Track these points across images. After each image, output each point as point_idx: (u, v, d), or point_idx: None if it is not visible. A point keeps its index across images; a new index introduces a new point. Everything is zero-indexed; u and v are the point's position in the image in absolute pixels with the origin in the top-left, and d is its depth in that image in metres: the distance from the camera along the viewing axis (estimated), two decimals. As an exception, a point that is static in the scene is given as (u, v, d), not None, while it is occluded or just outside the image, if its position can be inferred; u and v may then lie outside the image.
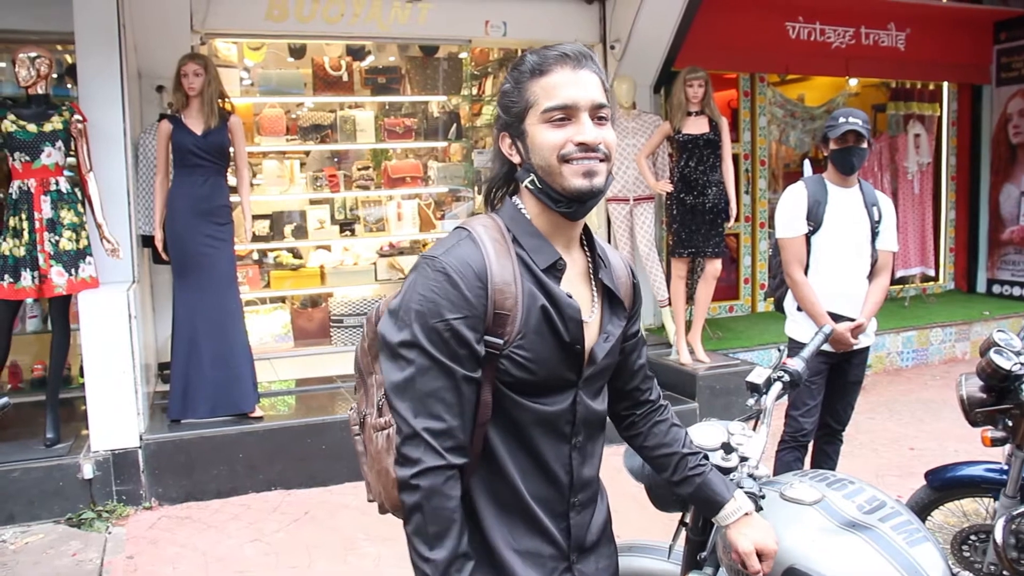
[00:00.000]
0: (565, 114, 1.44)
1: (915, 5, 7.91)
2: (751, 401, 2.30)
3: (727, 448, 2.09)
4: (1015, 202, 8.57)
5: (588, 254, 1.60)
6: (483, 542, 1.50)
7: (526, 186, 1.51)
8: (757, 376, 2.31)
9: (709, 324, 6.99)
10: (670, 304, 6.26)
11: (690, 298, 6.36)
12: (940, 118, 8.81)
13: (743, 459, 2.07)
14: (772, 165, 8.15)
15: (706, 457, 1.84)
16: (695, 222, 5.86)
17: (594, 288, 1.59)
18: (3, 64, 6.23)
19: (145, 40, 5.55)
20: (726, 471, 2.03)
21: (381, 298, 1.73)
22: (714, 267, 5.96)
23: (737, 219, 7.42)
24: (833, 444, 4.01)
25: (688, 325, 6.25)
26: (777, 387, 2.29)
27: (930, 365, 7.59)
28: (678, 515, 2.22)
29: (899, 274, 8.37)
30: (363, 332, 1.66)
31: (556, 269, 1.50)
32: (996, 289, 8.80)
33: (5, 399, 2.00)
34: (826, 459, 3.98)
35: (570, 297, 1.49)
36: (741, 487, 1.94)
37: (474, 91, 8.91)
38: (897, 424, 5.98)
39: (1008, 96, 8.55)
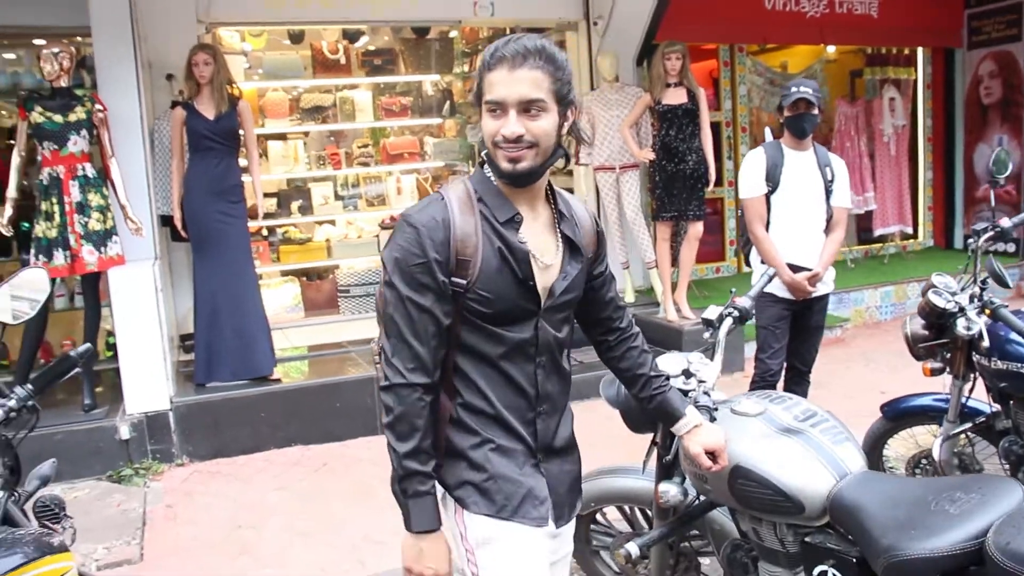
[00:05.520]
0: (499, 108, 1.72)
1: (887, -26, 8.22)
2: (707, 334, 2.70)
3: (687, 374, 2.50)
4: (988, 160, 8.89)
5: (553, 209, 1.91)
6: (466, 442, 1.83)
7: (483, 156, 1.83)
8: (711, 313, 2.72)
9: (697, 285, 7.36)
10: (657, 266, 6.65)
11: (676, 260, 6.74)
12: (915, 82, 9.13)
13: (700, 382, 2.47)
14: (754, 131, 8.49)
15: (667, 379, 2.21)
16: (676, 187, 6.22)
17: (559, 236, 1.88)
18: (13, 56, 6.59)
19: (153, 31, 5.86)
20: (685, 392, 2.44)
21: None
22: (696, 229, 6.34)
23: (720, 184, 7.79)
24: (801, 385, 4.41)
25: (674, 285, 6.63)
26: (728, 322, 2.69)
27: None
28: (650, 437, 2.64)
29: (877, 232, 8.76)
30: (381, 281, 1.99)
31: (514, 222, 1.79)
32: (972, 243, 9.15)
33: (87, 346, 2.39)
34: (794, 398, 4.38)
35: (522, 243, 1.79)
36: (698, 403, 2.34)
37: (466, 68, 9.24)
38: (872, 372, 6.36)
39: (978, 59, 8.86)
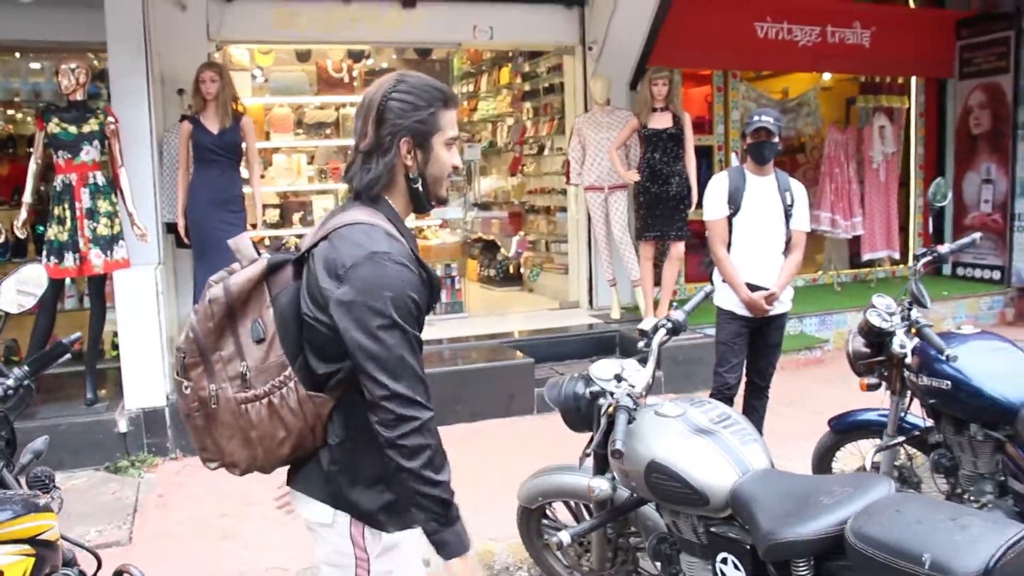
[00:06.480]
0: (455, 143, 1.95)
1: (880, 8, 8.45)
2: (641, 343, 2.95)
3: (618, 378, 2.76)
4: (976, 189, 9.13)
5: None
6: (389, 465, 1.80)
7: (414, 188, 1.91)
8: (646, 324, 2.97)
9: (683, 304, 7.57)
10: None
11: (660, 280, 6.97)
12: (909, 110, 9.36)
13: (631, 386, 2.72)
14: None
15: None
16: (659, 208, 6.49)
17: None
18: (37, 66, 6.95)
19: (166, 47, 6.16)
20: (612, 394, 2.69)
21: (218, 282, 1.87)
22: (677, 249, 6.60)
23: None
24: (760, 399, 4.65)
25: (657, 302, 6.87)
26: (661, 332, 2.94)
27: (890, 340, 8.14)
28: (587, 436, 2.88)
29: (865, 257, 8.97)
30: (209, 313, 1.83)
31: (416, 249, 1.91)
32: (960, 271, 9.36)
33: (78, 334, 2.69)
34: (753, 412, 4.60)
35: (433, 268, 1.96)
36: (619, 404, 2.59)
37: (470, 88, 9.57)
38: (845, 393, 6.46)
39: (969, 89, 9.09)
